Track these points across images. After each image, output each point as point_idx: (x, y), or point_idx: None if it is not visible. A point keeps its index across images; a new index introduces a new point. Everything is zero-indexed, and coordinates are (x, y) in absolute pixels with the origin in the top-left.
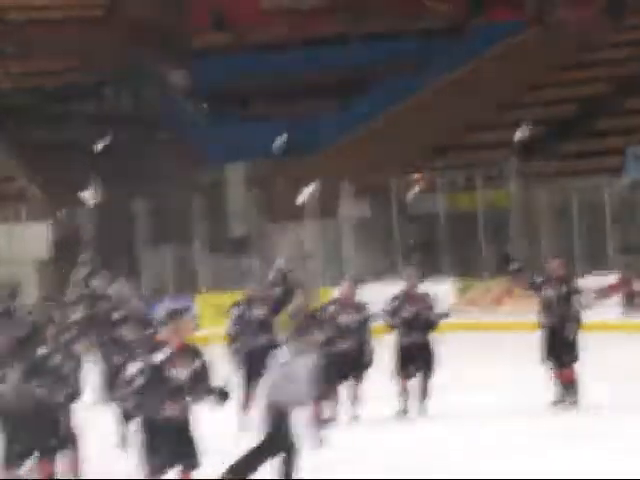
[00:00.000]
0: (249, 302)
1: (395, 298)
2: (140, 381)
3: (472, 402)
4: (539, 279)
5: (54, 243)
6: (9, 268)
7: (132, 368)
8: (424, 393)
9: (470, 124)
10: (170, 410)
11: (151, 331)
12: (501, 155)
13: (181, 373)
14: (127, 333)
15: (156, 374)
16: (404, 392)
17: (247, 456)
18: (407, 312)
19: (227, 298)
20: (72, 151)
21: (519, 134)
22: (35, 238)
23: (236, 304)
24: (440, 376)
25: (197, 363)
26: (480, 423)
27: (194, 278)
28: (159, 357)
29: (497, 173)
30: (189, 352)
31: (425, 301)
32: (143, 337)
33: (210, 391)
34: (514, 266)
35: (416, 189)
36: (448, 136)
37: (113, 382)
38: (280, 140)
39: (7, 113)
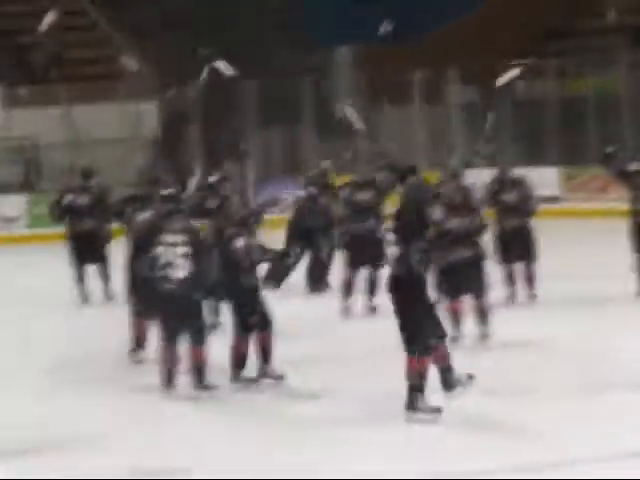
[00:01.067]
0: (355, 186)
1: (493, 182)
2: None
3: (581, 289)
4: (631, 166)
5: (162, 122)
6: (121, 147)
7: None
8: (530, 280)
9: (581, 9)
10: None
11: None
12: (613, 41)
13: None
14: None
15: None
16: (509, 279)
17: None
18: (506, 197)
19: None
20: (181, 30)
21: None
22: (146, 117)
23: (342, 187)
24: (546, 264)
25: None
26: (583, 310)
27: (302, 162)
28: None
29: (608, 59)
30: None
31: (523, 187)
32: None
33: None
34: (607, 150)
35: (520, 74)
36: (559, 21)
37: None
38: (385, 27)
39: None
